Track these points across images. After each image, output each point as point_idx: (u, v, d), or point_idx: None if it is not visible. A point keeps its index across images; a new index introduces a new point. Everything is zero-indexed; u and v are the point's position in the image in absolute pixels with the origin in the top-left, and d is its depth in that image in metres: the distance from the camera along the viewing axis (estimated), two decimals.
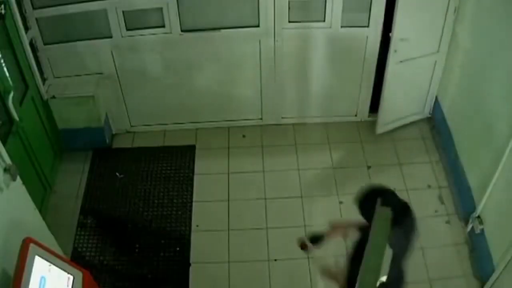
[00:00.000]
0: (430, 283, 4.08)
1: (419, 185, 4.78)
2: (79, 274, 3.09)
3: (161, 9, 4.47)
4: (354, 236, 3.02)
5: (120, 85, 4.97)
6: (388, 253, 2.64)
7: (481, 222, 4.00)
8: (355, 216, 4.56)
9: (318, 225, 4.29)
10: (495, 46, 3.90)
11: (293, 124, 5.34)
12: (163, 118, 5.30)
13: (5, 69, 3.94)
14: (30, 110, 4.45)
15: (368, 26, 4.64)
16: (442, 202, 4.64)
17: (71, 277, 3.00)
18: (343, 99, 5.24)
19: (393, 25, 4.36)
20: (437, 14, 4.51)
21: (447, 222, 4.50)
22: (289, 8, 4.53)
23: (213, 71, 4.94)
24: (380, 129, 5.16)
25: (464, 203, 4.39)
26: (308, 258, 4.26)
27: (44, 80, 4.73)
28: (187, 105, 5.17)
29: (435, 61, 4.84)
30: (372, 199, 2.69)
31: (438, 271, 4.15)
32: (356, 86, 5.09)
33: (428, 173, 4.89)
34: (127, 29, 4.59)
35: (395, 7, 4.26)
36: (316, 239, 3.22)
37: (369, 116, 5.35)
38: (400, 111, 5.13)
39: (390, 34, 4.45)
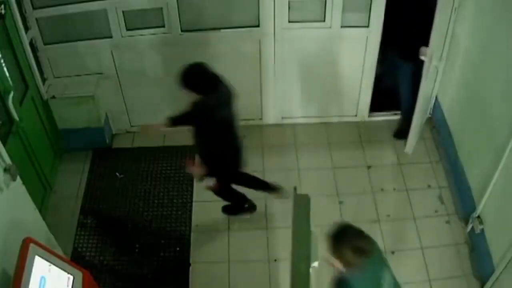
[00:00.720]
0: (430, 283, 4.08)
1: (419, 185, 4.78)
2: (79, 274, 3.09)
3: (161, 9, 4.47)
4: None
5: (120, 85, 4.98)
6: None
7: (481, 222, 3.99)
8: (357, 215, 4.57)
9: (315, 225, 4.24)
10: (495, 46, 3.89)
11: (293, 124, 5.34)
12: (163, 118, 5.28)
13: (5, 69, 3.94)
14: (30, 110, 4.45)
15: (368, 26, 4.64)
16: (442, 202, 4.64)
17: (71, 277, 3.00)
18: (343, 99, 5.24)
19: (429, 49, 4.18)
20: (444, 19, 4.47)
21: (447, 222, 4.50)
22: (289, 8, 4.53)
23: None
24: (410, 149, 5.02)
25: (464, 203, 4.39)
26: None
27: (44, 80, 4.73)
28: None
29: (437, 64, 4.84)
30: (189, 74, 3.54)
31: (438, 271, 4.15)
32: (356, 86, 5.09)
33: (428, 173, 4.89)
34: (127, 29, 4.59)
35: (434, 34, 4.08)
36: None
37: (369, 116, 5.35)
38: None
39: (423, 57, 4.27)
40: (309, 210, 2.69)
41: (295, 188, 2.83)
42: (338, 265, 2.59)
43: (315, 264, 2.54)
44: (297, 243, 2.55)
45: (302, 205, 2.70)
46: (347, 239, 2.58)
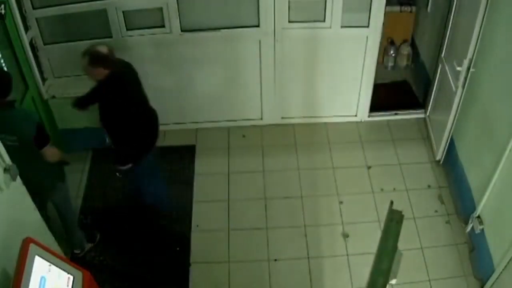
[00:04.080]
0: (430, 283, 4.08)
1: (419, 185, 4.78)
2: (79, 274, 3.08)
3: (161, 9, 4.47)
4: None
5: None
6: None
7: (481, 222, 3.99)
8: (357, 215, 4.56)
9: (315, 224, 4.32)
10: (494, 46, 3.89)
11: (293, 124, 5.34)
12: (163, 118, 5.22)
13: (5, 69, 3.94)
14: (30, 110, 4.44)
15: (368, 26, 4.64)
16: (442, 202, 4.64)
17: (71, 277, 3.00)
18: (343, 99, 5.24)
19: (470, 60, 4.12)
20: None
21: (447, 222, 4.50)
22: (289, 8, 4.53)
23: (213, 71, 4.94)
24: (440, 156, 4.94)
25: (464, 203, 4.39)
26: (308, 258, 4.27)
27: (44, 80, 4.73)
28: (187, 105, 5.17)
29: None
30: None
31: (438, 271, 4.15)
32: (356, 86, 5.10)
33: (428, 173, 4.89)
34: (127, 29, 4.59)
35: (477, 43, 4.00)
36: None
37: (369, 116, 5.35)
38: None
39: (459, 68, 4.21)
40: (401, 227, 2.70)
41: (391, 202, 2.84)
42: None
43: (393, 281, 2.55)
44: (380, 256, 2.56)
45: (394, 220, 2.71)
46: None
